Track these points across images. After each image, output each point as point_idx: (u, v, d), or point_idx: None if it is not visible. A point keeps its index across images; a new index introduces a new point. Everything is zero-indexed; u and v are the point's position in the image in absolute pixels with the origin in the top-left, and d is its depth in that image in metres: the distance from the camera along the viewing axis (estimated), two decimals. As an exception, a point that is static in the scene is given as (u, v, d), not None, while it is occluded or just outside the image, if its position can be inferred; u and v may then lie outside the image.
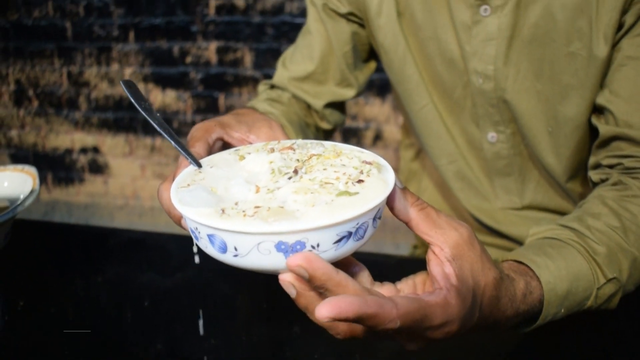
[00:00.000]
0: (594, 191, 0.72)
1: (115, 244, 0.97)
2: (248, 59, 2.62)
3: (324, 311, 0.39)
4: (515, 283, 0.55)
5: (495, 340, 0.70)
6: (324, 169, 0.48)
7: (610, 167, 0.74)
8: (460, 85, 0.86)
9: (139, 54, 2.72)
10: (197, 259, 0.58)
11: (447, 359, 0.66)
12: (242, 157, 0.53)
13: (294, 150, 0.53)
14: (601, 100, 0.74)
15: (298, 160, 0.51)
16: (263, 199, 0.45)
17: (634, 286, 0.65)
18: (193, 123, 2.75)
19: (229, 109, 2.71)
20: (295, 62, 0.94)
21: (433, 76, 0.88)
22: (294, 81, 0.94)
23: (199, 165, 0.53)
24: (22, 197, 0.85)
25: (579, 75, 0.75)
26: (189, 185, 0.48)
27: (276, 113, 0.84)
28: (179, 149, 0.54)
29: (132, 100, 0.55)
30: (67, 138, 2.95)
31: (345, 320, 0.40)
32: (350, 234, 0.43)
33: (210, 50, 2.64)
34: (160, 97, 2.77)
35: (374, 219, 0.45)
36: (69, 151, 2.97)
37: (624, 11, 0.70)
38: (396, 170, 0.63)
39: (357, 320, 0.41)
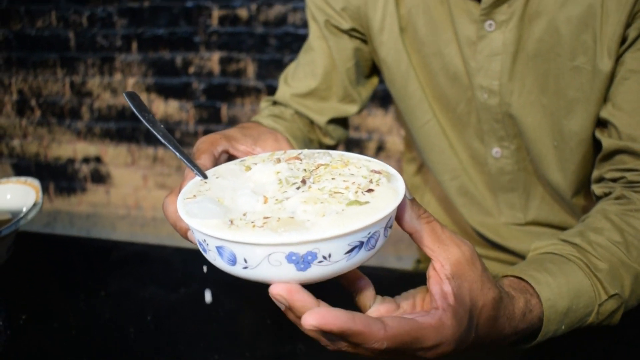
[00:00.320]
0: (597, 205, 0.71)
1: (118, 257, 0.97)
2: (251, 69, 2.63)
3: (309, 319, 0.40)
4: (515, 301, 0.55)
5: (493, 355, 0.70)
6: (333, 179, 0.47)
7: (614, 180, 0.73)
8: (463, 100, 0.86)
9: (142, 64, 2.73)
10: (205, 268, 0.58)
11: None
12: (249, 168, 0.52)
13: (301, 160, 0.52)
14: (604, 113, 0.74)
15: (305, 170, 0.50)
16: (272, 209, 0.44)
17: (636, 302, 0.65)
18: (195, 133, 2.76)
19: (231, 119, 2.71)
20: (298, 79, 0.94)
21: (436, 92, 0.88)
22: (297, 98, 0.93)
23: (205, 176, 0.52)
24: (24, 209, 0.85)
25: (584, 89, 0.75)
26: (194, 196, 0.48)
27: (280, 129, 0.83)
28: (184, 160, 0.53)
29: (136, 112, 0.54)
30: (69, 148, 2.96)
31: (330, 332, 0.41)
32: (362, 243, 0.43)
33: (213, 60, 2.65)
34: (163, 107, 2.77)
35: (386, 228, 0.45)
36: (71, 161, 2.98)
37: (628, 25, 0.70)
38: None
39: (341, 334, 0.41)
